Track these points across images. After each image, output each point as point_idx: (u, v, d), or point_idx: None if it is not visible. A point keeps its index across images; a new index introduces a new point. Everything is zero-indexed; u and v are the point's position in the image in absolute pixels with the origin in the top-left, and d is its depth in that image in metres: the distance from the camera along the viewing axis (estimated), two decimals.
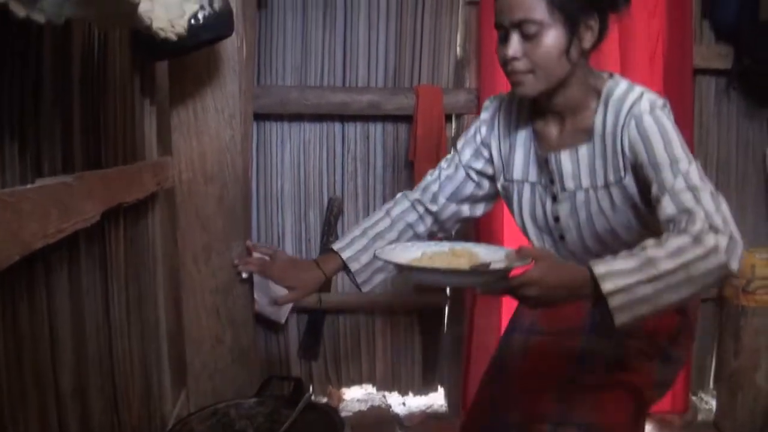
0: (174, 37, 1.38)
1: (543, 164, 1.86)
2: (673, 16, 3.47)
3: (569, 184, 1.82)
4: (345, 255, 2.00)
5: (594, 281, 1.47)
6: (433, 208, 2.05)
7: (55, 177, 1.17)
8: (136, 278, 1.76)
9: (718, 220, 1.51)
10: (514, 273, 1.50)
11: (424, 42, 3.40)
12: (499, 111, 1.99)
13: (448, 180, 2.04)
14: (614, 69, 3.37)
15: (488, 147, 2.00)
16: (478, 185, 2.04)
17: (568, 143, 1.81)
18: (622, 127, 1.71)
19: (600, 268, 1.47)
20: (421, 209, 2.06)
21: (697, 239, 1.47)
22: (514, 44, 1.68)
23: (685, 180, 1.59)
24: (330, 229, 3.41)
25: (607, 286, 1.45)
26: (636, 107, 1.69)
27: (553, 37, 1.66)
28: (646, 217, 1.74)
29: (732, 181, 3.75)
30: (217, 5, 1.67)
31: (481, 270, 1.51)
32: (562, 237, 1.88)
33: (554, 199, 1.86)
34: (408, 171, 3.44)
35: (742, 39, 3.57)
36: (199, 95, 2.05)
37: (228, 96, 2.05)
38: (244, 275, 2.15)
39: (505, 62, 1.71)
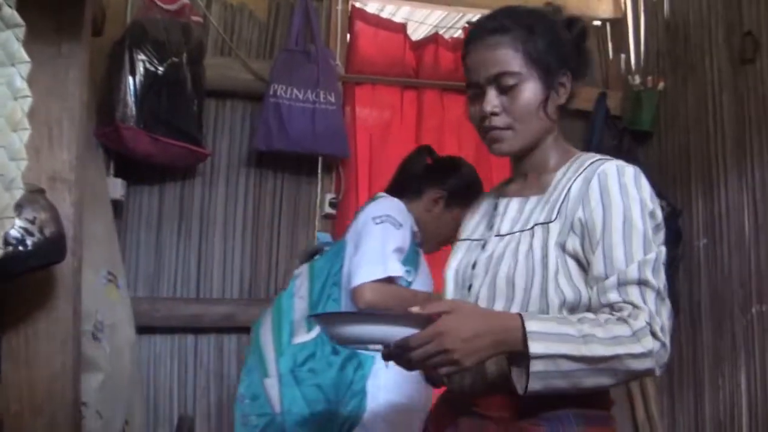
0: None
1: (491, 210, 1.76)
2: None
3: (504, 229, 1.68)
4: None
5: (523, 336, 1.37)
6: None
7: None
8: None
9: (657, 326, 1.44)
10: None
11: (281, 253, 3.40)
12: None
13: None
14: None
15: None
16: None
17: (522, 193, 1.70)
18: (583, 176, 1.59)
19: (533, 324, 1.38)
20: None
21: (636, 336, 1.40)
22: (492, 99, 1.61)
23: (638, 270, 1.47)
24: None
25: (535, 348, 1.36)
26: (604, 165, 1.58)
27: (531, 90, 1.61)
28: (555, 276, 1.54)
29: None
30: (47, 231, 1.59)
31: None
32: (470, 287, 1.67)
33: (483, 246, 1.70)
34: None
35: None
36: (32, 320, 1.91)
37: (61, 320, 1.92)
38: None
39: (483, 119, 1.63)
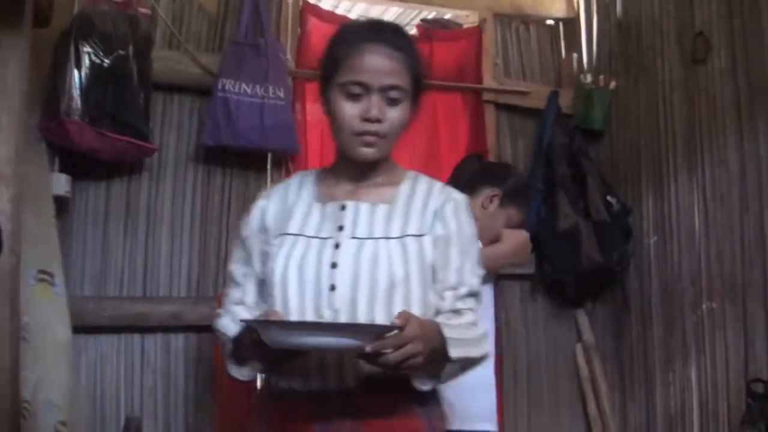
0: None
1: (336, 211, 1.77)
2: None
3: (360, 232, 1.73)
4: None
5: (443, 342, 1.57)
6: None
7: None
8: None
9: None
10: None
11: (230, 250, 3.32)
12: (279, 187, 1.92)
13: None
14: None
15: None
16: None
17: (367, 199, 1.77)
18: (435, 197, 1.78)
19: (447, 331, 1.58)
20: None
21: (482, 338, 1.71)
22: (381, 106, 1.68)
23: (477, 284, 1.76)
24: None
25: (454, 353, 1.58)
26: (453, 193, 1.81)
27: (406, 109, 1.72)
28: (429, 284, 1.72)
29: (544, 382, 3.80)
30: None
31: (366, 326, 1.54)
32: (333, 287, 1.69)
33: (336, 246, 1.72)
34: (210, 386, 3.25)
35: (542, 247, 3.74)
36: None
37: None
38: None
39: (365, 120, 1.68)
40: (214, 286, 3.33)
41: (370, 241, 1.71)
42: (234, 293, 1.82)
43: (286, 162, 3.47)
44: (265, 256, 1.77)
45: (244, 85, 3.23)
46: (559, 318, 3.94)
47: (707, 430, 3.25)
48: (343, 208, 1.77)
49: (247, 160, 3.44)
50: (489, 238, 2.70)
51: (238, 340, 1.70)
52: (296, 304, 1.69)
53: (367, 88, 1.69)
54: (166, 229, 3.30)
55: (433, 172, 3.61)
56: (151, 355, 3.25)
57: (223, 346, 1.78)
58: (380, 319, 1.64)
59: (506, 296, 3.80)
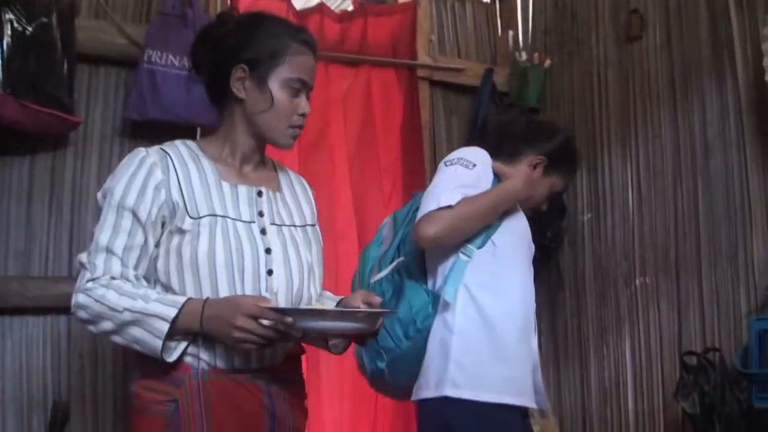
0: None
1: (253, 195, 1.91)
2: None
3: (277, 219, 1.93)
4: None
5: None
6: None
7: None
8: None
9: None
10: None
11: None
12: (169, 158, 1.90)
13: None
14: (355, 257, 3.39)
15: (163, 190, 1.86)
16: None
17: (266, 185, 1.96)
18: (303, 186, 2.12)
19: None
20: None
21: None
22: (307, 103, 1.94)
23: None
24: None
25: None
26: (301, 178, 2.16)
27: None
28: (320, 265, 2.02)
29: None
30: None
31: (377, 312, 1.79)
32: (270, 272, 1.84)
33: (263, 232, 1.88)
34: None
35: None
36: None
37: None
38: None
39: (301, 116, 1.91)
40: None
41: (285, 228, 1.93)
42: (113, 266, 1.79)
43: None
44: (174, 234, 1.81)
45: (170, 57, 3.12)
46: None
47: (641, 402, 3.29)
48: (260, 194, 1.92)
49: (174, 135, 3.24)
50: (530, 207, 2.58)
51: (176, 320, 1.72)
52: (226, 285, 1.78)
53: (304, 86, 1.91)
54: (92, 206, 3.17)
55: (367, 148, 3.60)
56: (78, 337, 3.14)
57: (128, 324, 1.74)
58: (306, 299, 1.90)
59: None
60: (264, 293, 1.80)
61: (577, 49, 3.87)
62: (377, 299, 1.85)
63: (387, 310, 1.91)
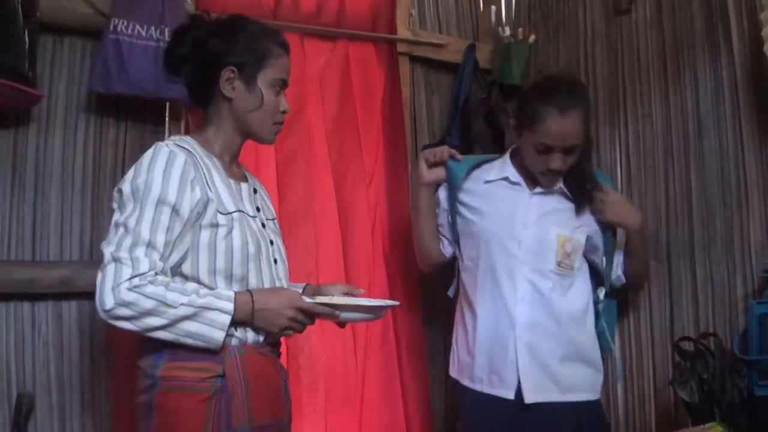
0: None
1: (250, 192, 2.19)
2: (392, 184, 3.49)
3: (267, 214, 2.26)
4: None
5: None
6: None
7: None
8: None
9: None
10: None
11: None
12: (193, 155, 2.04)
13: None
14: (336, 237, 3.30)
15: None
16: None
17: (247, 182, 2.21)
18: (262, 185, 2.39)
19: None
20: None
21: None
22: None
23: None
24: None
25: None
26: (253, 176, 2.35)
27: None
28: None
29: None
30: None
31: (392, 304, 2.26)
32: (275, 261, 2.16)
33: (263, 225, 2.17)
34: (107, 361, 3.01)
35: None
36: None
37: None
38: None
39: (283, 112, 2.15)
40: None
41: (270, 221, 2.25)
42: (156, 261, 1.89)
43: (186, 113, 3.19)
44: (204, 228, 1.97)
45: (138, 27, 2.92)
46: None
47: (632, 392, 3.18)
48: (255, 191, 2.21)
49: (143, 110, 3.14)
50: (540, 171, 2.71)
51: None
52: (254, 277, 2.05)
53: (284, 86, 2.14)
54: (56, 186, 3.00)
55: (346, 126, 3.46)
56: (42, 324, 2.98)
57: (183, 319, 1.88)
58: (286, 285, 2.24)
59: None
60: (275, 281, 2.13)
61: (562, 24, 3.74)
62: (360, 290, 2.21)
63: (397, 302, 2.31)
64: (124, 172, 3.06)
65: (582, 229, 2.70)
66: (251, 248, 2.02)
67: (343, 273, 3.32)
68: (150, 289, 1.83)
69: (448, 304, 3.15)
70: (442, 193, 2.93)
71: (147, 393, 1.97)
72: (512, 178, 2.77)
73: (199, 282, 1.97)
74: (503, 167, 2.81)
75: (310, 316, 2.05)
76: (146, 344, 1.98)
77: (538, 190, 2.73)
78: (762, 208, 2.85)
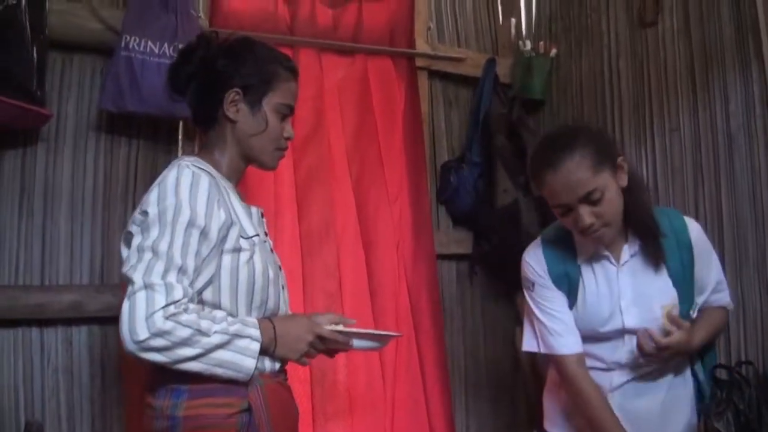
0: None
1: (259, 217, 2.14)
2: (414, 202, 3.43)
3: (270, 237, 2.23)
4: None
5: None
6: None
7: None
8: None
9: None
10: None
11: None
12: (214, 178, 1.97)
13: None
14: (359, 257, 3.24)
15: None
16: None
17: (255, 206, 2.16)
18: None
19: None
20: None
21: None
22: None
23: None
24: None
25: None
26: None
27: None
28: None
29: (482, 370, 3.63)
30: None
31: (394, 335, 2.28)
32: (283, 287, 2.14)
33: (271, 251, 2.14)
34: (119, 387, 2.93)
35: (480, 225, 3.64)
36: None
37: None
38: None
39: (287, 139, 2.08)
40: (119, 271, 2.97)
41: (269, 244, 2.17)
42: (187, 287, 1.79)
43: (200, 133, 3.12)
44: (226, 253, 1.90)
45: (150, 44, 2.85)
46: (498, 299, 3.78)
47: None
48: (262, 215, 2.17)
49: (155, 129, 3.09)
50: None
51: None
52: (272, 302, 2.02)
53: (290, 112, 2.09)
54: (65, 207, 2.94)
55: (368, 142, 3.39)
56: (51, 350, 2.91)
57: (216, 348, 1.80)
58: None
59: (442, 277, 3.64)
60: (284, 307, 2.11)
61: (585, 37, 3.66)
62: (352, 321, 2.12)
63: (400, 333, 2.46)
64: (135, 194, 3.02)
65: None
66: (271, 273, 2.00)
67: (368, 294, 3.24)
68: (185, 317, 1.73)
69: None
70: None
71: None
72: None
73: (220, 308, 1.89)
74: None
75: (323, 342, 2.03)
76: (158, 379, 1.86)
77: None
78: None
